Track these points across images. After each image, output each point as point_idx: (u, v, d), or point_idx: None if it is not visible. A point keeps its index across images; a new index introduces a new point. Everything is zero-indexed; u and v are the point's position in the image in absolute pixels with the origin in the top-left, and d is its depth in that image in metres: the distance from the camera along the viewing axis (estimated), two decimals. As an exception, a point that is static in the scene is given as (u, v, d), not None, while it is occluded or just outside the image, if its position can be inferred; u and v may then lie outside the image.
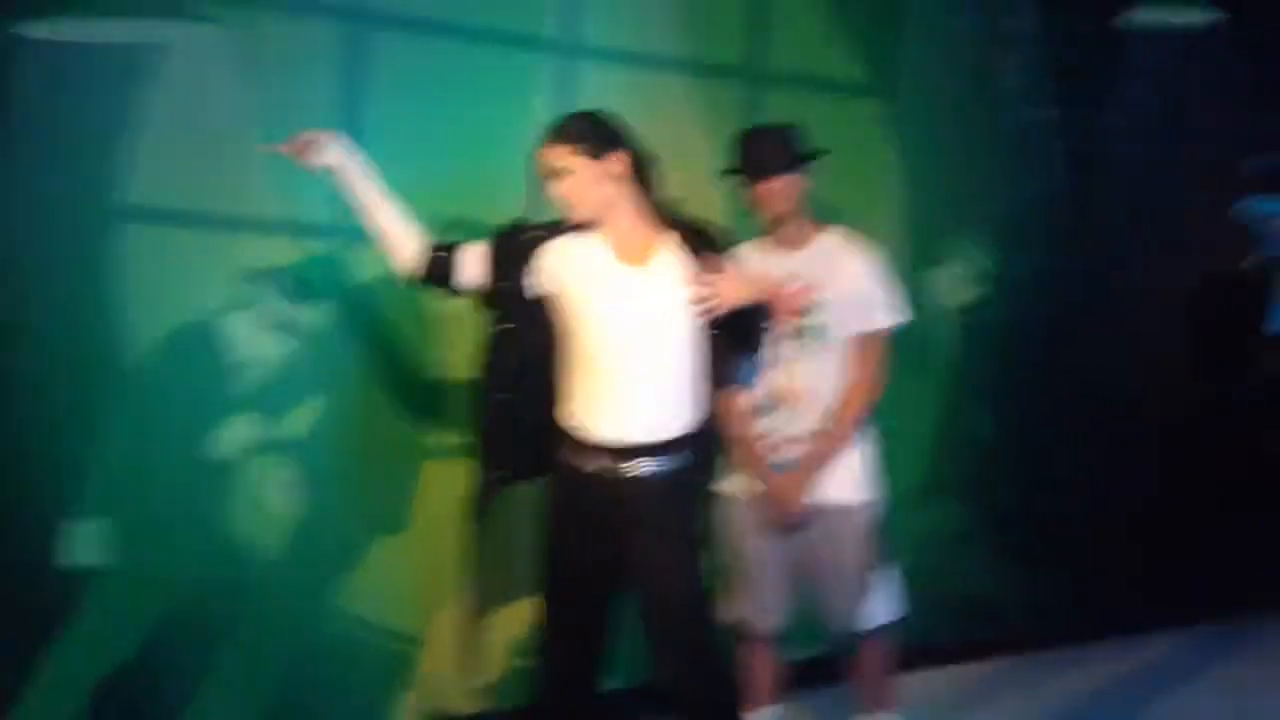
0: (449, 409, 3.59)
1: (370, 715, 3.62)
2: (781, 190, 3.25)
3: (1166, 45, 4.54)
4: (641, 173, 2.94)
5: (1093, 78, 4.49)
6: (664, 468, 2.90)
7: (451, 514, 3.63)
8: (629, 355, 2.88)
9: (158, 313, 3.29)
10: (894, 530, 3.44)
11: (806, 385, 3.28)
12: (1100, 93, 4.51)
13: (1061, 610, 4.50)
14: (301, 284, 3.44)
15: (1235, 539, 4.83)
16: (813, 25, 4.02)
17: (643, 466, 2.89)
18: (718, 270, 2.89)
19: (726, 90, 3.91)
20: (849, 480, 3.31)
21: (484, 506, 3.15)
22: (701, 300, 2.87)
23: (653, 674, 2.95)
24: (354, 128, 3.34)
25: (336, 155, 2.94)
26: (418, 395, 3.59)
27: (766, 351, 3.25)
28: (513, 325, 2.95)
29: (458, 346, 3.55)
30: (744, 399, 3.32)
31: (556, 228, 2.97)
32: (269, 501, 3.44)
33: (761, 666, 3.44)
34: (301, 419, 3.47)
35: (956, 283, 4.32)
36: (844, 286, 3.28)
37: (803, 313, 3.28)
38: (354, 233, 3.41)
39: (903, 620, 3.44)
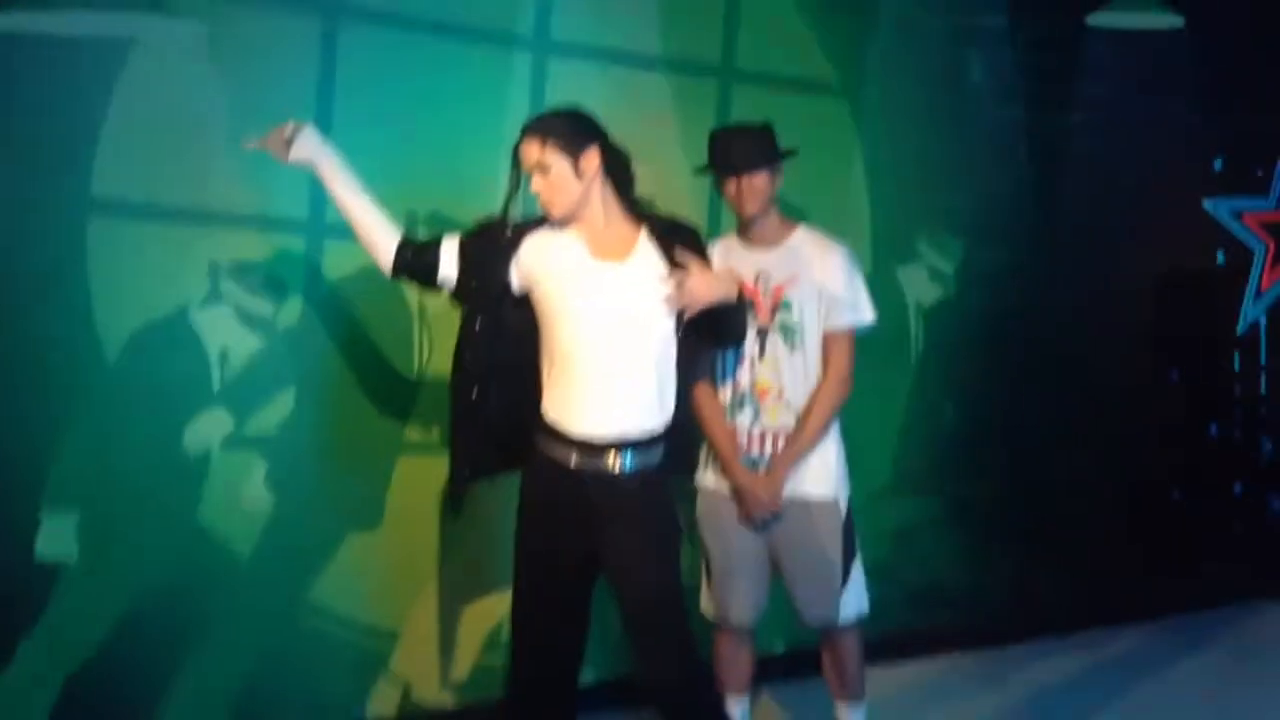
0: (422, 404, 3.59)
1: (344, 710, 3.61)
2: (755, 188, 3.27)
3: (1133, 45, 4.60)
4: (617, 169, 2.96)
5: (1060, 77, 4.55)
6: (639, 463, 2.92)
7: (426, 509, 3.64)
8: (604, 351, 2.89)
9: (130, 307, 3.27)
10: (863, 524, 3.47)
11: (779, 382, 3.31)
12: (1067, 91, 4.56)
13: (1031, 602, 4.55)
14: (274, 278, 3.43)
15: (1203, 531, 4.92)
16: (782, 24, 4.05)
17: (618, 462, 2.90)
18: (692, 267, 2.92)
19: (700, 88, 3.92)
20: (821, 475, 3.34)
21: (457, 501, 3.16)
22: (676, 297, 2.90)
23: (631, 667, 2.97)
24: (328, 122, 3.35)
25: (311, 149, 2.93)
26: (391, 390, 3.58)
27: (740, 348, 3.29)
28: (486, 321, 2.96)
29: (432, 341, 3.56)
30: (718, 395, 3.35)
31: (532, 224, 2.98)
32: (242, 497, 3.43)
33: (736, 659, 3.47)
34: (274, 414, 3.45)
35: (923, 279, 4.36)
36: (815, 284, 3.31)
37: (774, 310, 3.31)
38: (328, 227, 3.43)
39: (874, 611, 3.48)
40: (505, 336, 2.97)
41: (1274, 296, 5.00)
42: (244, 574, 3.44)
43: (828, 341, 3.33)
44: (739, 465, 3.31)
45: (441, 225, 3.35)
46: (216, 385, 3.37)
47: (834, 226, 3.56)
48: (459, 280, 2.97)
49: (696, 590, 3.42)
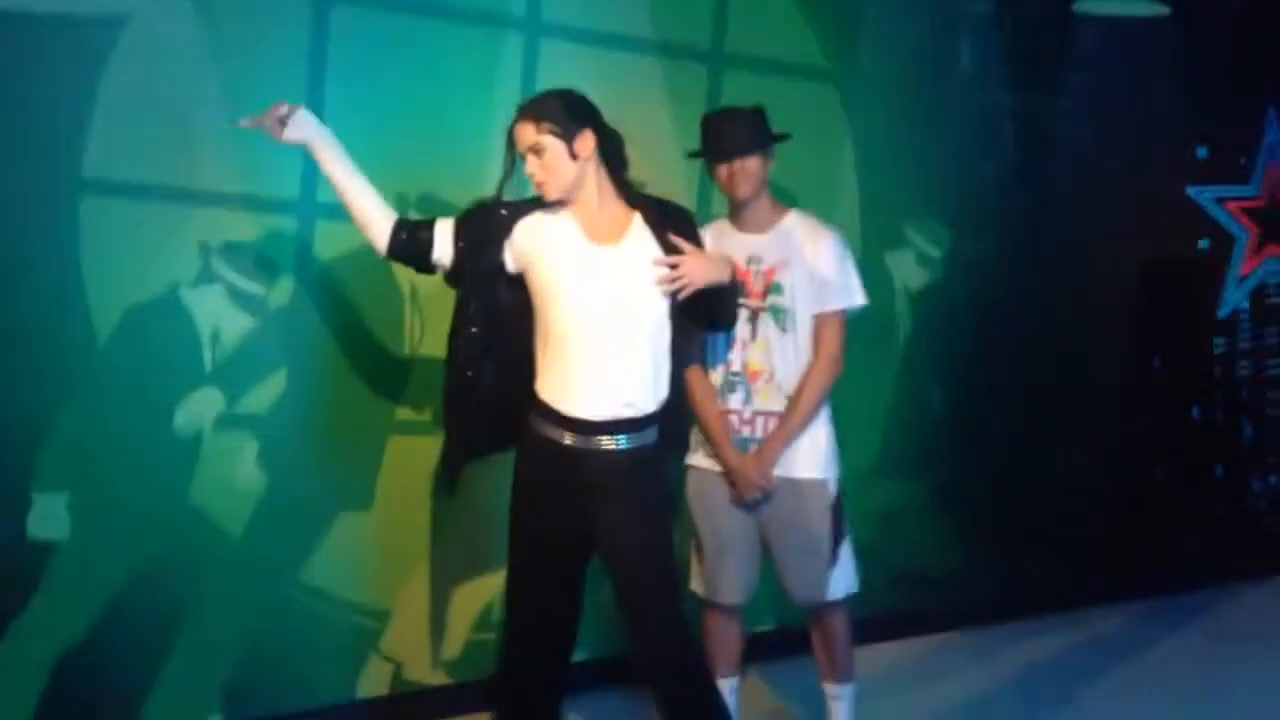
0: (414, 384, 3.60)
1: (337, 689, 3.62)
2: (747, 172, 3.28)
3: (1119, 32, 4.63)
4: (610, 152, 2.97)
5: (1048, 63, 4.57)
6: (633, 443, 2.94)
7: (417, 489, 3.65)
8: (599, 333, 2.91)
9: (121, 287, 3.26)
10: (850, 506, 3.50)
11: (770, 364, 3.34)
12: (1054, 78, 4.58)
13: (1018, 582, 4.59)
14: (266, 259, 3.43)
15: (1187, 512, 4.97)
16: (772, 8, 4.06)
17: (612, 442, 2.92)
18: (685, 250, 2.93)
19: (693, 71, 3.93)
20: (811, 456, 3.36)
21: (451, 482, 3.17)
22: (669, 280, 2.91)
23: (625, 645, 3.00)
24: (319, 103, 3.34)
25: (307, 129, 2.93)
26: (383, 370, 3.59)
27: (732, 331, 3.31)
28: (480, 302, 2.97)
29: (424, 322, 3.57)
30: (710, 377, 3.37)
31: (526, 206, 2.99)
32: (234, 476, 3.43)
33: (726, 637, 3.49)
34: (266, 394, 3.45)
35: (911, 264, 4.38)
36: (807, 268, 3.33)
37: (766, 293, 3.33)
38: (319, 208, 3.44)
39: (861, 592, 3.51)
40: (499, 318, 2.98)
41: (1256, 282, 5.05)
42: (236, 553, 3.45)
43: (819, 324, 3.35)
44: (730, 446, 3.33)
45: (433, 207, 3.36)
46: (208, 365, 3.37)
47: (823, 211, 3.58)
48: (453, 261, 2.97)
49: (687, 569, 3.45)
